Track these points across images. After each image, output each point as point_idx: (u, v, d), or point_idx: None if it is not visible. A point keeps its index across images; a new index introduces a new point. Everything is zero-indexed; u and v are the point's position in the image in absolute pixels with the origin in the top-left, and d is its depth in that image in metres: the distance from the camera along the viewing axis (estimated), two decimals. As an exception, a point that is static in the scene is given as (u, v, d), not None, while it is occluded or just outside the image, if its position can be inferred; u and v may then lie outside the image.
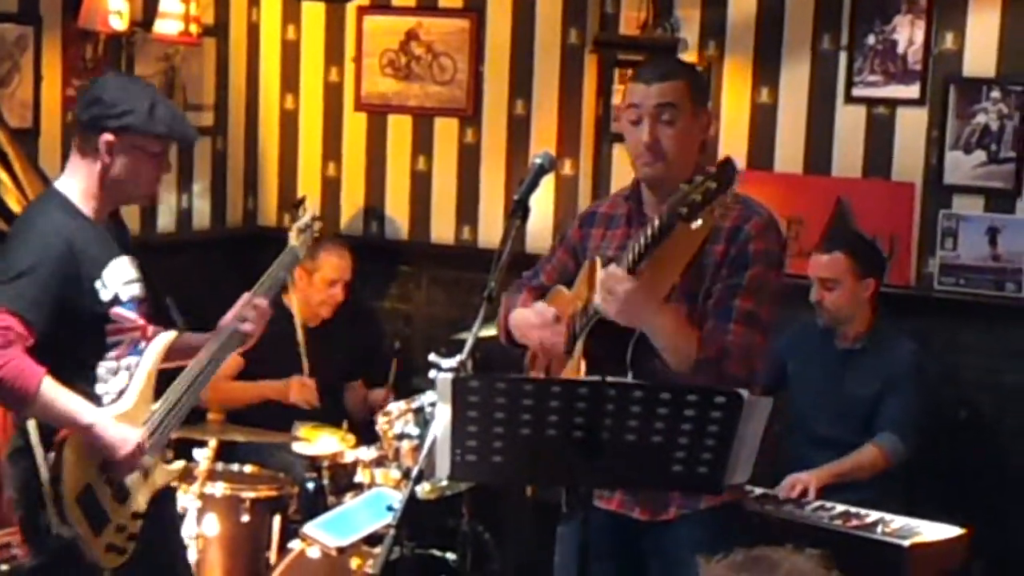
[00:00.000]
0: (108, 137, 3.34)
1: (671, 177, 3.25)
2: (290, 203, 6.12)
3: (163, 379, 3.56)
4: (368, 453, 4.58)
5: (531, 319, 3.43)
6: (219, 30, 6.00)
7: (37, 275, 3.24)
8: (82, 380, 3.33)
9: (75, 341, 3.32)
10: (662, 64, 3.54)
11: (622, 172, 5.36)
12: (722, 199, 2.99)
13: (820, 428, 4.64)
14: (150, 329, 3.50)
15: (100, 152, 3.35)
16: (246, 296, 3.65)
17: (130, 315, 3.42)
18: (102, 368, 3.39)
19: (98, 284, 3.34)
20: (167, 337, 3.52)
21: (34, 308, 3.22)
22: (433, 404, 3.93)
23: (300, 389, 5.14)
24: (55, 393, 3.23)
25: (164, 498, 3.60)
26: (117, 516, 3.38)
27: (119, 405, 3.39)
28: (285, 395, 5.16)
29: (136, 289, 3.45)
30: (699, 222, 3.03)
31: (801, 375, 4.75)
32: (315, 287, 5.33)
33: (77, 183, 3.40)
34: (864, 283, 4.63)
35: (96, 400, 3.35)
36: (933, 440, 4.66)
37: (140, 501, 3.45)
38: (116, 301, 3.38)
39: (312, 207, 3.95)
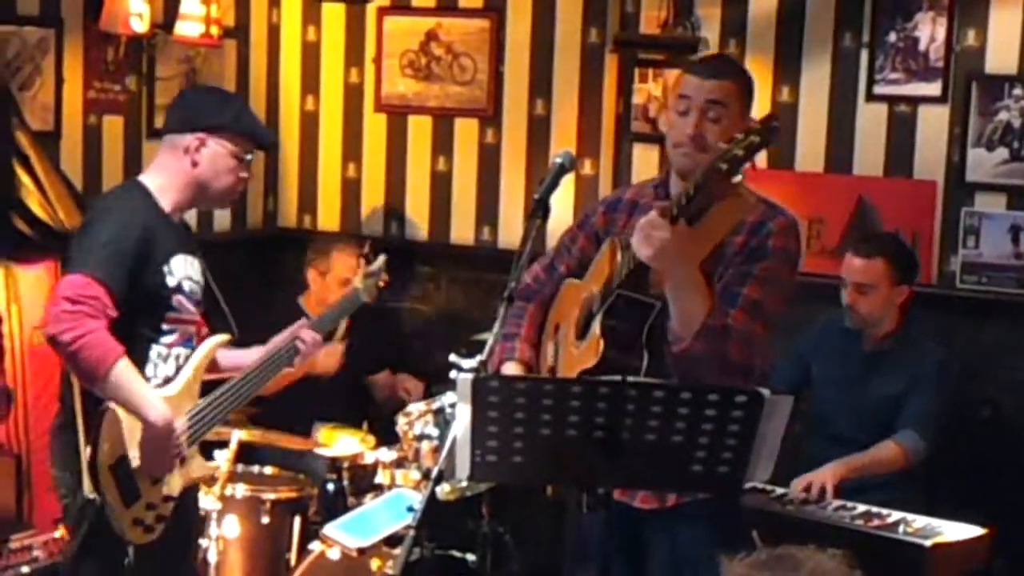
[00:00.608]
0: (198, 135, 3.56)
1: (704, 170, 3.22)
2: (309, 205, 6.21)
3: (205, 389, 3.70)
4: (388, 454, 4.57)
5: None
6: (239, 32, 6.01)
7: (118, 248, 3.42)
8: (136, 360, 3.44)
9: (136, 317, 3.47)
10: (719, 62, 3.60)
11: (642, 171, 5.35)
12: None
13: (841, 428, 4.62)
14: (205, 329, 3.68)
15: (188, 151, 3.57)
16: (303, 321, 3.91)
17: (190, 306, 3.60)
18: (154, 351, 3.53)
19: (165, 268, 3.52)
20: (220, 338, 3.69)
21: (118, 280, 3.39)
22: (453, 405, 3.93)
23: (326, 356, 5.15)
24: (129, 376, 3.37)
25: (191, 493, 3.73)
26: (149, 494, 3.49)
27: (166, 389, 3.52)
28: (314, 365, 5.16)
29: (196, 287, 3.63)
30: (739, 177, 3.04)
31: (824, 374, 4.74)
32: (329, 287, 5.34)
33: (159, 178, 3.61)
34: (899, 289, 4.60)
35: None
36: (954, 439, 4.65)
37: (174, 486, 3.56)
38: (179, 289, 3.55)
39: (383, 260, 4.21)
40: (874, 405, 4.58)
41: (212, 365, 3.73)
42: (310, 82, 6.21)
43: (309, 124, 6.23)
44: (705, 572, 3.32)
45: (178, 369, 3.58)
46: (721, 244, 3.24)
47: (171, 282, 3.54)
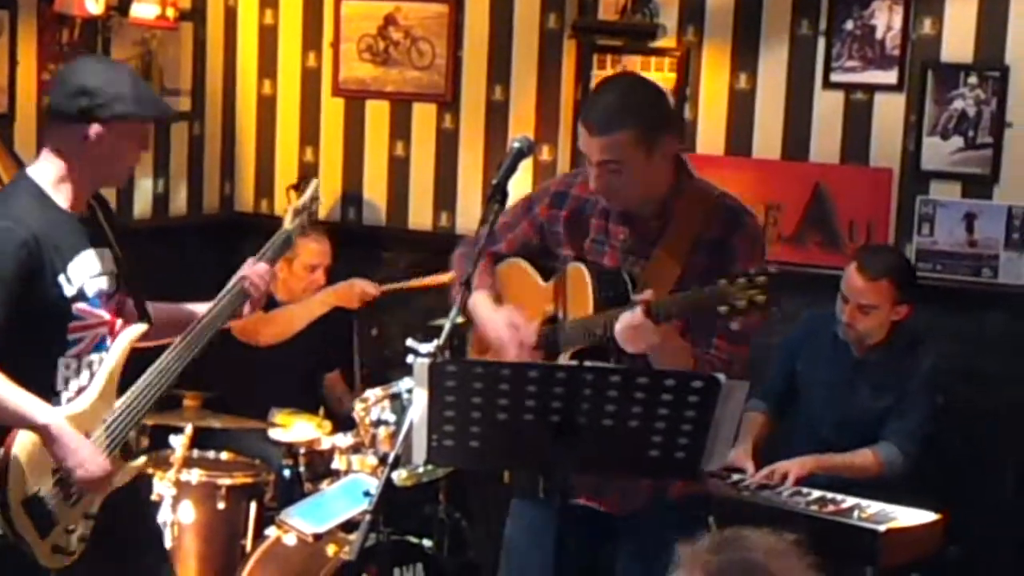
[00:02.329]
0: (98, 128, 3.23)
1: (639, 205, 3.30)
2: (267, 189, 6.18)
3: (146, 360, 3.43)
4: (345, 440, 4.56)
5: (500, 324, 3.38)
6: (196, 14, 5.96)
7: None
8: (42, 376, 3.20)
9: (35, 336, 3.20)
10: (608, 111, 3.24)
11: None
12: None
13: (825, 433, 4.58)
14: (118, 323, 3.36)
15: (87, 142, 3.23)
16: (249, 261, 3.55)
17: (95, 311, 3.29)
18: (62, 363, 3.26)
19: (62, 279, 3.21)
20: (135, 331, 3.37)
21: None
22: (410, 390, 3.92)
23: (363, 290, 5.11)
24: (6, 391, 3.10)
25: (129, 492, 3.43)
26: (66, 519, 3.25)
27: (73, 406, 3.24)
28: (350, 297, 5.13)
29: (103, 283, 3.31)
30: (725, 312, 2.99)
31: (811, 376, 4.67)
32: (296, 274, 5.32)
33: (52, 171, 3.27)
34: (898, 308, 4.51)
35: (55, 398, 3.22)
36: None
37: (92, 503, 3.30)
38: (81, 296, 3.25)
39: (315, 185, 3.81)
40: (860, 414, 4.53)
41: (176, 324, 3.44)
42: (267, 66, 6.17)
43: (266, 108, 6.19)
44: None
45: (91, 376, 3.30)
46: (690, 266, 3.24)
47: (70, 292, 3.22)
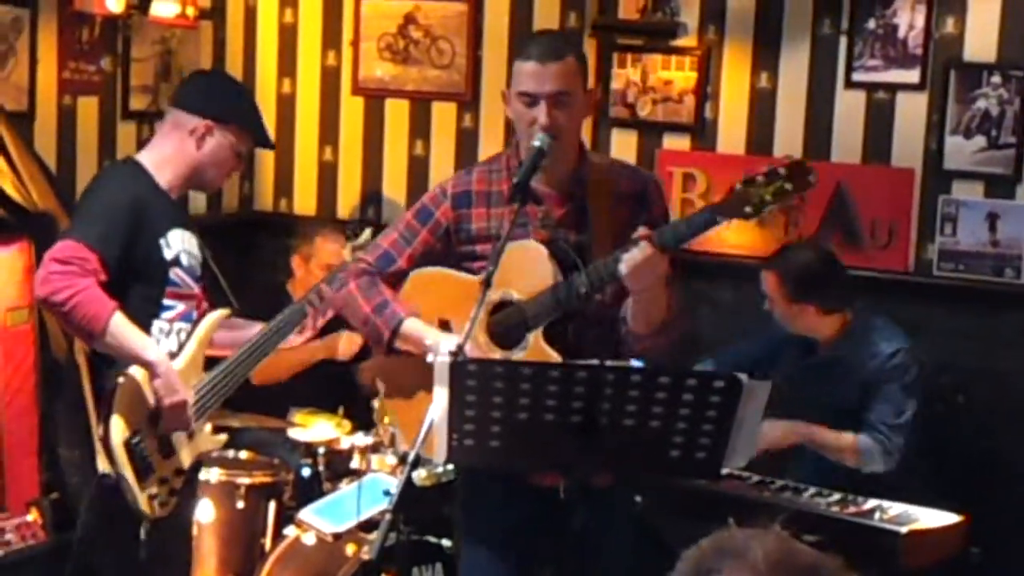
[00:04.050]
0: (208, 122, 3.61)
1: (564, 153, 3.35)
2: (286, 188, 6.18)
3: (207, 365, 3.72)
4: (364, 439, 4.56)
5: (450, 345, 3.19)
6: (216, 13, 5.97)
7: (111, 217, 3.46)
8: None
9: (137, 290, 3.50)
10: (552, 41, 3.40)
11: (621, 156, 5.33)
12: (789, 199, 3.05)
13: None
14: (205, 303, 3.69)
15: (195, 133, 3.61)
16: (313, 289, 3.92)
17: (190, 281, 3.61)
18: (156, 326, 3.55)
19: (162, 242, 3.54)
20: (222, 311, 3.70)
21: (109, 245, 3.42)
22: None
23: (348, 344, 5.14)
24: (124, 327, 3.39)
25: (197, 468, 3.76)
26: (162, 469, 3.52)
27: (173, 363, 3.51)
28: (335, 351, 5.15)
29: (196, 262, 3.65)
30: (756, 219, 3.09)
31: (787, 372, 4.63)
32: (312, 273, 5.32)
33: (159, 154, 3.65)
34: (797, 307, 4.50)
35: None
36: (929, 426, 4.64)
37: (184, 458, 3.59)
38: (178, 263, 3.57)
39: (369, 234, 4.15)
40: (830, 412, 4.51)
41: (214, 334, 3.72)
42: (287, 65, 6.17)
43: (286, 107, 6.19)
44: (626, 539, 3.36)
45: (180, 345, 3.60)
46: (616, 222, 3.31)
47: (169, 255, 3.56)
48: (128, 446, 3.42)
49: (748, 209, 3.08)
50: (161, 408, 3.48)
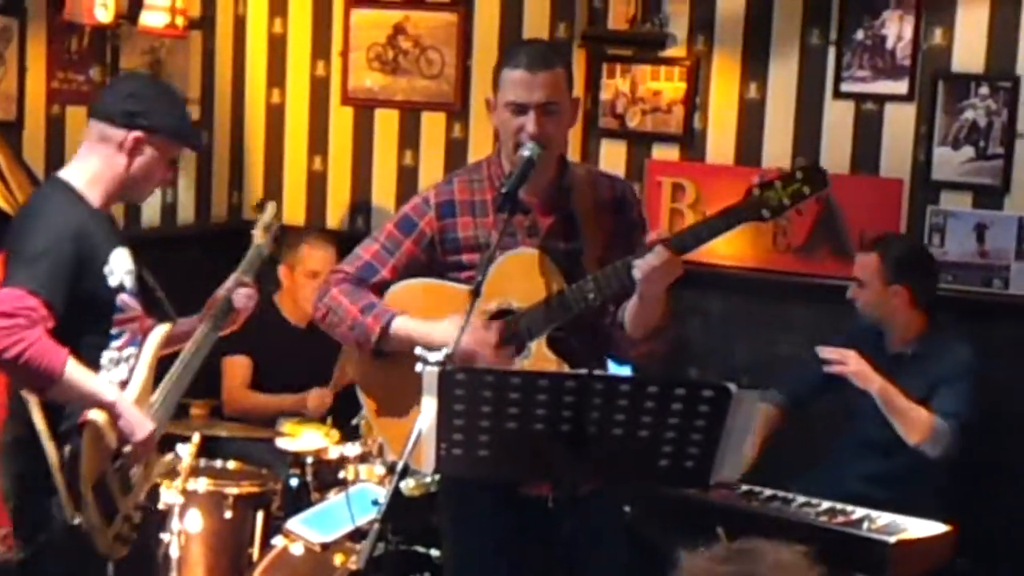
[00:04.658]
0: (137, 134, 3.39)
1: (550, 162, 3.36)
2: (275, 198, 6.15)
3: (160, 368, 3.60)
4: (352, 449, 4.55)
5: (450, 330, 3.17)
6: (205, 23, 5.96)
7: (54, 256, 3.25)
8: (88, 368, 3.34)
9: (84, 328, 3.34)
10: (540, 51, 3.41)
11: (610, 167, 5.34)
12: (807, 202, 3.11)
13: (866, 430, 4.57)
14: (147, 321, 3.53)
15: (124, 147, 3.39)
16: (233, 276, 3.74)
17: (134, 303, 3.46)
18: (106, 357, 3.40)
19: (106, 269, 3.37)
20: (164, 329, 3.54)
21: (54, 290, 3.23)
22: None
23: (317, 402, 5.16)
24: (78, 373, 3.25)
25: (154, 496, 3.71)
26: (124, 507, 3.43)
27: (126, 395, 3.41)
28: (303, 406, 5.18)
29: (134, 278, 3.48)
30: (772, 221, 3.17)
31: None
32: (298, 282, 5.33)
33: (87, 171, 3.42)
34: (892, 289, 4.57)
35: None
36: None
37: (141, 493, 3.50)
38: (122, 288, 3.41)
39: (273, 206, 4.01)
40: None
41: (163, 347, 3.62)
42: (276, 75, 6.17)
43: (275, 117, 6.19)
44: (616, 547, 3.36)
45: (130, 371, 3.45)
46: (602, 229, 3.33)
47: (113, 282, 3.38)
48: (96, 491, 3.33)
49: (766, 212, 3.13)
50: (131, 445, 3.37)
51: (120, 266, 3.40)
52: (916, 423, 4.43)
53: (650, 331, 3.28)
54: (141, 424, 3.36)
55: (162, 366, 3.58)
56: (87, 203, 3.39)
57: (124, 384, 3.42)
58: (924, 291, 4.64)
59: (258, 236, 3.87)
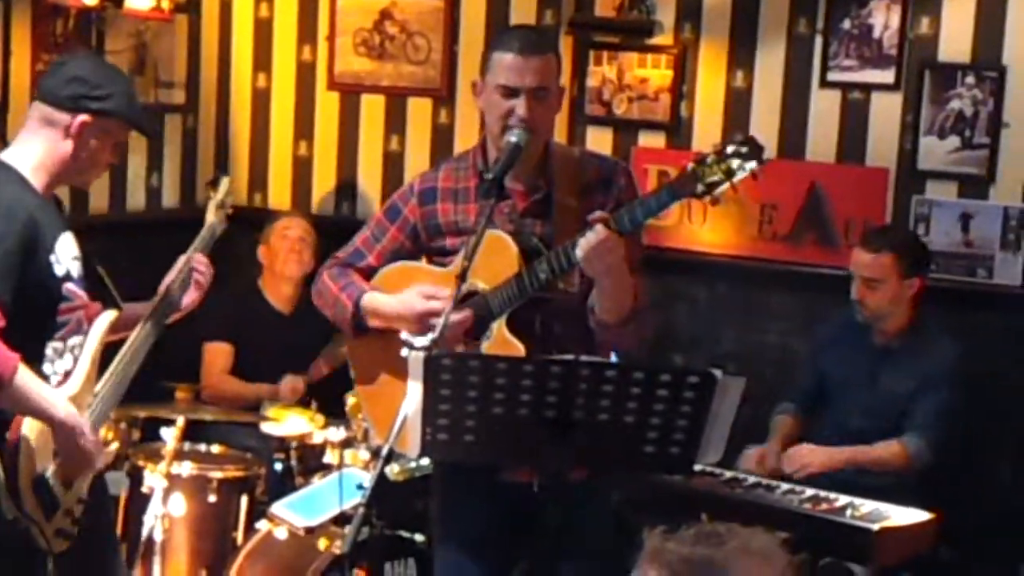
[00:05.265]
0: (84, 118, 3.25)
1: (536, 148, 3.35)
2: (260, 183, 6.16)
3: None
4: (337, 434, 4.55)
5: (416, 304, 3.31)
6: (191, 6, 5.94)
7: (3, 250, 3.12)
8: (32, 360, 3.20)
9: (30, 319, 3.19)
10: (532, 36, 3.45)
11: (596, 154, 5.34)
12: (744, 178, 3.04)
13: (852, 422, 4.60)
14: (93, 308, 3.40)
15: (70, 131, 3.25)
16: (183, 258, 3.63)
17: (79, 291, 3.32)
18: (50, 348, 3.27)
19: (52, 258, 3.23)
20: (109, 316, 3.41)
21: (5, 284, 3.11)
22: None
23: (290, 389, 5.16)
24: (29, 382, 3.11)
25: (98, 482, 3.48)
26: (66, 501, 3.30)
27: (67, 388, 3.27)
28: (276, 393, 5.19)
29: (79, 264, 3.33)
30: (709, 199, 3.09)
31: (836, 369, 4.72)
32: (275, 249, 5.36)
33: (32, 156, 3.28)
34: (908, 282, 4.57)
35: (45, 382, 3.23)
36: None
37: (83, 487, 3.36)
38: (68, 276, 3.27)
39: (227, 182, 3.96)
40: (885, 401, 4.56)
41: (109, 334, 3.49)
42: (262, 59, 6.15)
43: (261, 101, 6.17)
44: (601, 534, 3.36)
45: (75, 361, 3.32)
46: (584, 212, 3.29)
47: (60, 271, 3.23)
48: (35, 487, 3.21)
49: (700, 188, 3.09)
50: (64, 465, 3.25)
51: (66, 253, 3.27)
52: (892, 463, 4.47)
53: (621, 314, 3.24)
54: (88, 444, 3.23)
55: (110, 353, 3.44)
56: (32, 189, 3.25)
57: (68, 373, 3.29)
58: (927, 279, 4.68)
59: (211, 213, 3.80)
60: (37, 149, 3.28)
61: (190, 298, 3.62)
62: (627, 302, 3.24)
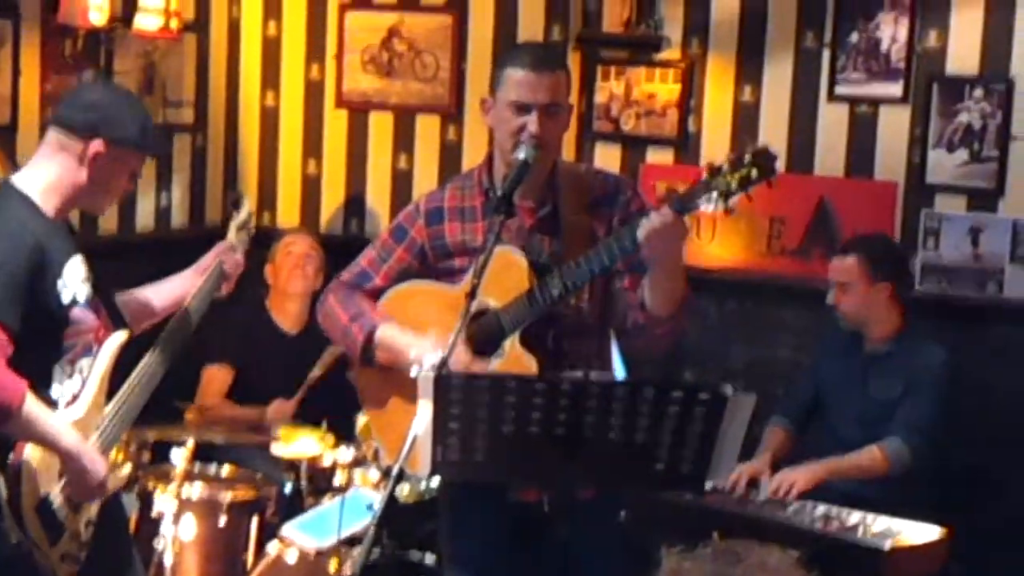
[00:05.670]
0: (98, 145, 3.24)
1: (545, 165, 3.35)
2: (269, 201, 6.16)
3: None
4: (347, 454, 4.53)
5: (427, 347, 3.25)
6: (199, 26, 5.95)
7: (10, 275, 3.11)
8: (39, 382, 3.19)
9: (36, 342, 3.19)
10: (543, 52, 3.50)
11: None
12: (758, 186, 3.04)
13: (845, 431, 4.60)
14: (102, 331, 3.38)
15: (84, 158, 3.25)
16: (200, 287, 3.61)
17: (88, 316, 3.31)
18: (58, 370, 3.26)
19: (60, 283, 3.22)
20: (119, 338, 3.39)
21: (10, 311, 3.09)
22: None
23: (277, 414, 5.13)
24: (37, 410, 3.11)
25: (112, 502, 3.47)
26: (72, 525, 3.29)
27: (74, 410, 3.26)
28: (264, 417, 5.16)
29: (89, 288, 3.33)
30: (721, 208, 3.06)
31: (829, 379, 4.74)
32: (279, 268, 5.34)
33: (43, 180, 3.27)
34: (878, 287, 4.58)
35: (52, 405, 3.23)
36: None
37: (92, 509, 3.35)
38: (75, 302, 3.26)
39: (249, 202, 3.95)
40: (875, 408, 4.56)
41: (149, 312, 3.55)
42: (270, 77, 6.16)
43: (269, 120, 6.18)
44: (611, 553, 3.35)
45: (83, 382, 3.30)
46: (591, 228, 3.32)
47: (66, 297, 3.22)
48: (39, 510, 3.19)
49: (715, 196, 3.07)
50: (71, 491, 3.24)
51: (74, 278, 3.26)
52: (872, 468, 4.45)
53: (675, 303, 3.21)
54: (95, 470, 3.22)
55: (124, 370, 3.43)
56: (42, 213, 3.24)
57: (76, 396, 3.28)
58: (904, 286, 4.71)
59: (232, 235, 3.79)
60: (50, 173, 3.28)
61: (225, 291, 3.67)
62: (679, 290, 3.21)
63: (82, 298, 3.28)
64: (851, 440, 4.53)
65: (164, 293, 3.62)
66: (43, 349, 3.23)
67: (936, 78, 5.04)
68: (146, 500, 4.41)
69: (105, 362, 3.34)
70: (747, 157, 3.05)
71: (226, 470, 4.71)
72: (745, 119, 5.32)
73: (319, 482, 4.57)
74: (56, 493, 3.23)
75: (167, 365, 3.47)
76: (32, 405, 3.09)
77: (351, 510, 4.23)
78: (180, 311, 3.55)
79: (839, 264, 4.64)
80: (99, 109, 3.28)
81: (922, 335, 4.64)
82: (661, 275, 3.19)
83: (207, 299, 3.60)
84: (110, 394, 3.38)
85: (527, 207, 3.38)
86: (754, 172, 3.04)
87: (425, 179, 5.85)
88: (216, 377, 5.28)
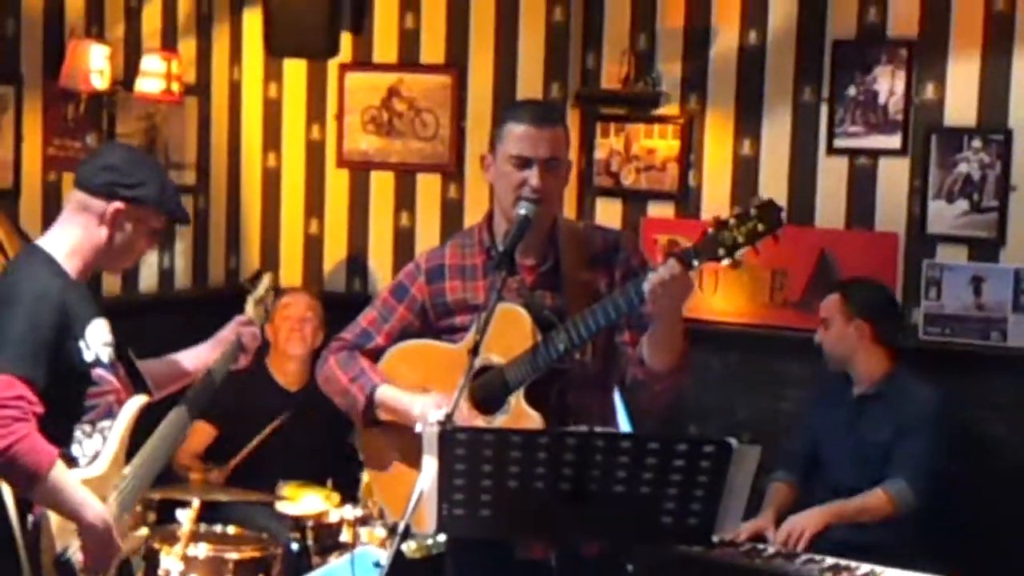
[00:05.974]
0: (118, 205, 3.30)
1: (545, 220, 3.36)
2: (272, 261, 6.17)
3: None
4: (353, 512, 4.52)
5: (429, 405, 3.27)
6: (201, 88, 6.00)
7: (37, 335, 3.16)
8: (60, 441, 3.22)
9: (58, 402, 3.22)
10: (543, 108, 3.53)
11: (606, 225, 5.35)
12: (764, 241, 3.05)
13: (840, 476, 4.60)
14: (123, 393, 3.41)
15: (104, 219, 3.31)
16: (216, 359, 3.64)
17: (110, 377, 3.35)
18: (79, 431, 3.30)
19: (82, 344, 3.27)
20: (139, 401, 3.43)
21: (38, 370, 3.14)
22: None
23: (214, 477, 5.07)
24: (64, 478, 3.14)
25: (125, 568, 3.48)
26: None
27: (92, 469, 3.29)
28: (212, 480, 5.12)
29: (111, 350, 3.37)
30: (728, 262, 3.07)
31: (823, 425, 4.75)
32: (279, 330, 5.34)
33: (67, 242, 3.34)
34: (854, 324, 4.61)
35: (72, 463, 3.25)
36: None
37: (111, 570, 3.34)
38: (97, 362, 3.31)
39: (269, 278, 3.94)
40: (867, 451, 4.57)
41: (173, 379, 3.60)
42: (272, 138, 6.20)
43: (271, 180, 6.21)
44: None
45: (104, 441, 3.33)
46: (592, 283, 3.32)
47: (89, 357, 3.28)
48: (58, 564, 3.20)
49: (721, 251, 3.08)
50: (86, 560, 3.24)
51: (96, 339, 3.31)
52: (878, 512, 4.46)
53: (675, 359, 3.21)
54: (113, 546, 3.25)
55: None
56: (65, 274, 3.30)
57: (96, 455, 3.31)
58: (886, 329, 4.70)
59: (249, 310, 3.81)
60: (73, 235, 3.34)
61: (241, 360, 3.70)
62: (679, 344, 3.21)
63: (105, 358, 3.32)
64: (847, 483, 4.53)
65: (188, 361, 3.66)
66: (66, 409, 3.26)
67: (934, 129, 5.07)
68: (152, 560, 4.39)
69: (125, 422, 3.37)
70: (753, 210, 3.06)
71: (232, 530, 4.69)
72: (745, 172, 5.35)
73: (325, 540, 4.55)
74: (75, 549, 3.24)
75: (187, 429, 3.52)
76: (60, 473, 3.12)
77: (357, 568, 4.21)
78: (204, 374, 3.59)
79: (824, 301, 4.73)
80: (116, 170, 3.34)
81: (913, 377, 4.65)
82: (662, 329, 3.19)
83: (225, 370, 3.63)
84: (128, 456, 3.39)
85: (528, 265, 3.39)
86: (760, 225, 3.05)
87: (426, 237, 5.87)
88: (196, 433, 5.23)
